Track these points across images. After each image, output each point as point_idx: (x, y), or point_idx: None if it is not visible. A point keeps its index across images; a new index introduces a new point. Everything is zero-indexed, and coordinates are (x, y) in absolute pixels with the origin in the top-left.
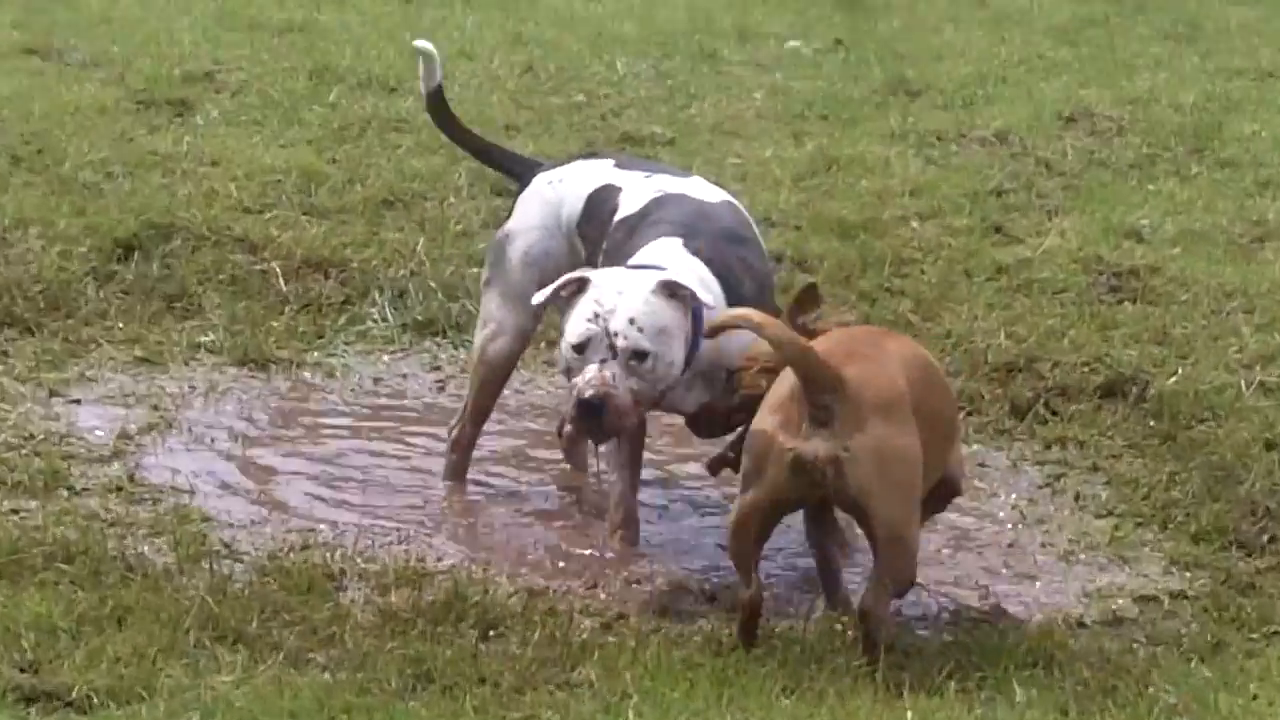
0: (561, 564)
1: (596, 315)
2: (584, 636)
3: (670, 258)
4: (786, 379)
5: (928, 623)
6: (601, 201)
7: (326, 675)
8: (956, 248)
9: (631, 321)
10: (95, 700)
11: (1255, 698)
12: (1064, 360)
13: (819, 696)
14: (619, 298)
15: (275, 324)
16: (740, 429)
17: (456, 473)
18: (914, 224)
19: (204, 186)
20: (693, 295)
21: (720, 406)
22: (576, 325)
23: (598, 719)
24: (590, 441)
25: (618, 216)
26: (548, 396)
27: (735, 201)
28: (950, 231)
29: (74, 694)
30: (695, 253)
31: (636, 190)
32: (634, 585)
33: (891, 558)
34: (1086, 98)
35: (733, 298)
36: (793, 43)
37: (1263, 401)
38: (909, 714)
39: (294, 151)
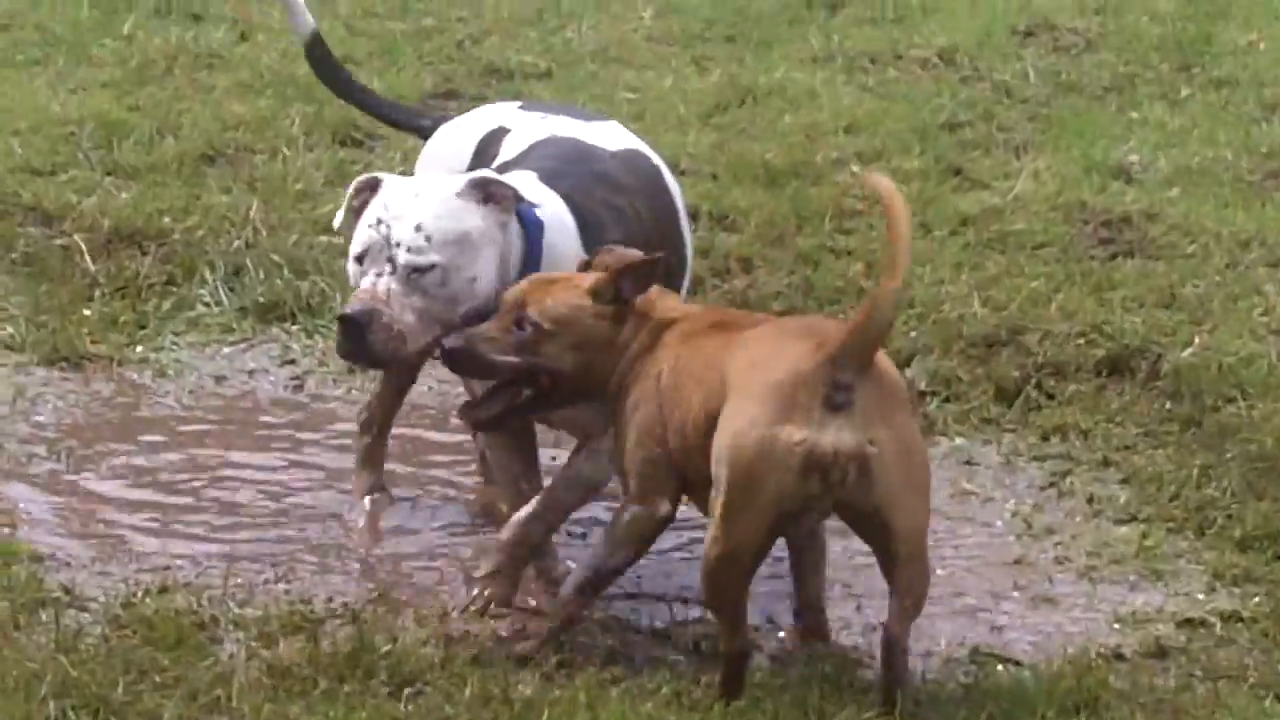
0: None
1: (379, 221)
2: (526, 692)
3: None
4: (777, 358)
5: (934, 663)
6: (487, 146)
7: None
8: (909, 196)
9: (418, 229)
10: None
11: None
12: (1054, 331)
13: None
14: (411, 201)
15: (86, 312)
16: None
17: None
18: (854, 168)
19: None
20: (516, 195)
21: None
22: (359, 233)
23: None
24: (363, 367)
25: (496, 162)
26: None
27: (647, 152)
28: (900, 176)
29: None
30: (553, 188)
31: (525, 132)
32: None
33: (914, 578)
34: (1043, 6)
35: (591, 242)
36: None
37: None
38: None
39: (87, 98)
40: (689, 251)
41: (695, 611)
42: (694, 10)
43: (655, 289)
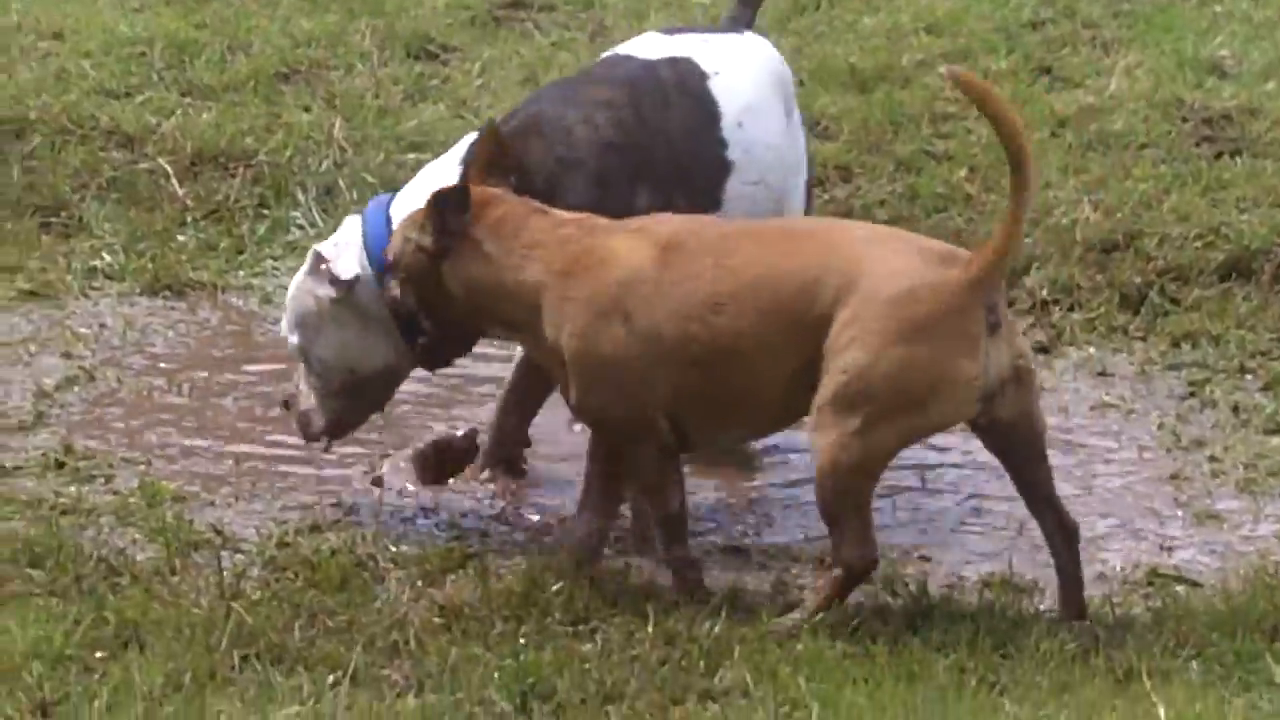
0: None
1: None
2: (713, 629)
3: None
4: (926, 286)
5: (1113, 586)
6: None
7: (414, 699)
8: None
9: (288, 313)
10: None
11: None
12: (1171, 234)
13: (1055, 690)
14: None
15: (181, 238)
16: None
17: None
18: (941, 69)
19: (52, 66)
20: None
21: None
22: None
23: None
24: None
25: None
26: None
27: (690, 57)
28: (990, 76)
29: None
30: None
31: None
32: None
33: (1046, 474)
34: None
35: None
36: None
37: None
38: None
39: (152, 17)
40: (734, 153)
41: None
42: None
43: (515, 203)
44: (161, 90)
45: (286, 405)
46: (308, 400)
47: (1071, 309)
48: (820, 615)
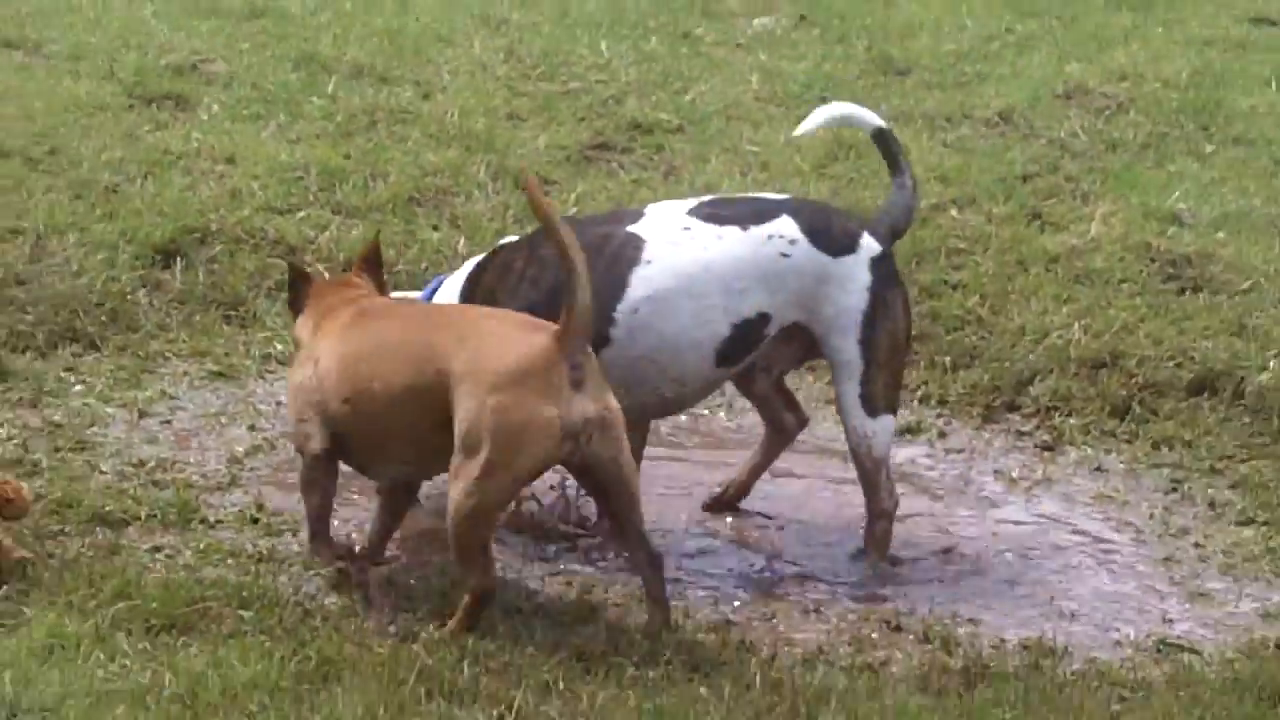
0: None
1: None
2: (812, 680)
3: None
4: (518, 348)
5: (1128, 652)
6: None
7: None
8: (1004, 237)
9: None
10: None
11: None
12: (1148, 355)
13: None
14: None
15: None
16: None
17: None
18: (953, 213)
19: (227, 186)
20: None
21: None
22: None
23: None
24: None
25: None
26: None
27: (638, 233)
28: (992, 220)
29: None
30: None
31: None
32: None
33: (637, 512)
34: (1074, 73)
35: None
36: (761, 20)
37: None
38: None
39: (308, 148)
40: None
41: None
42: (789, 74)
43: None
44: (317, 209)
45: None
46: None
47: (1069, 415)
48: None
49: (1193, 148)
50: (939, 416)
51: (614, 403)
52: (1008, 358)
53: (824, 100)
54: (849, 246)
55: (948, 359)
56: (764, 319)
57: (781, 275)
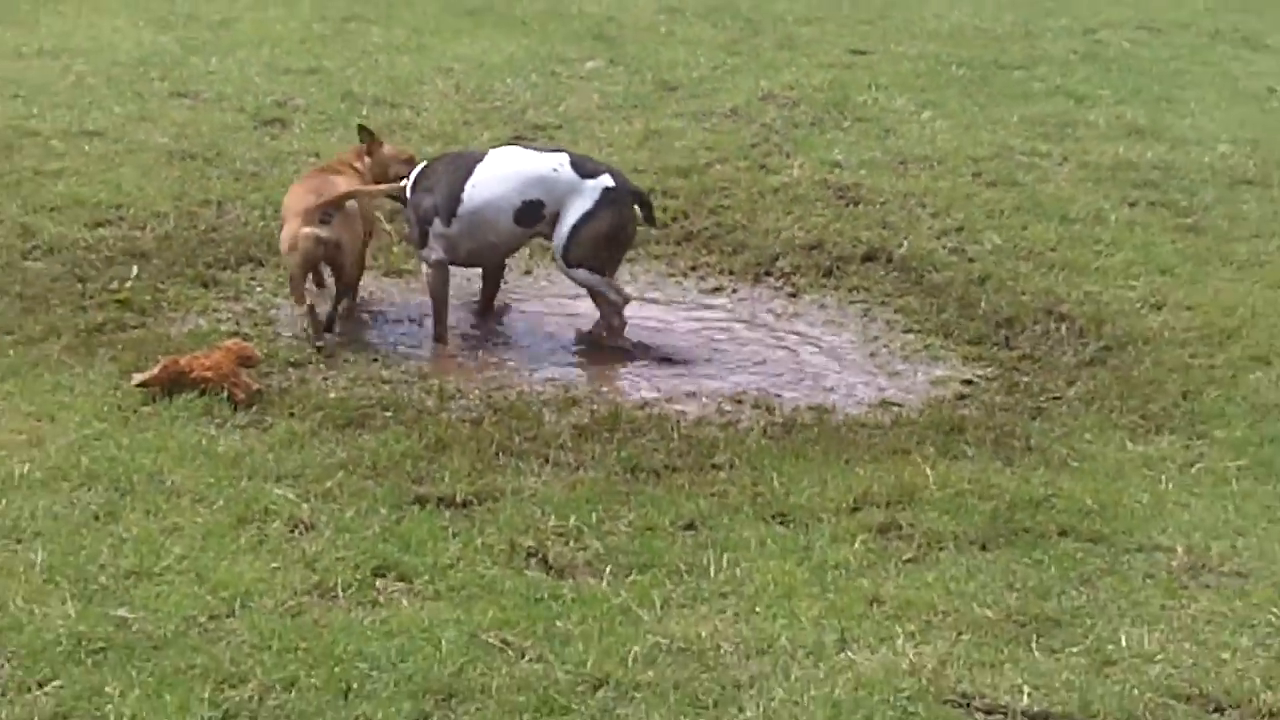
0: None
1: None
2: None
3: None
4: (301, 200)
5: (865, 408)
6: None
7: None
8: (748, 180)
9: None
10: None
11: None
12: (836, 241)
13: None
14: None
15: None
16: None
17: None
18: (717, 167)
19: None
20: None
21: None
22: None
23: None
24: None
25: None
26: None
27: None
28: (739, 170)
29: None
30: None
31: None
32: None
33: (350, 283)
34: (765, 86)
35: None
36: (592, 63)
37: (972, 248)
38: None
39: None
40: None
41: None
42: (613, 94)
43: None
44: None
45: None
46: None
47: (801, 277)
48: None
49: (837, 124)
50: (728, 281)
51: (344, 235)
52: (761, 245)
53: (634, 108)
54: (593, 175)
55: (729, 248)
56: (540, 204)
57: (551, 181)
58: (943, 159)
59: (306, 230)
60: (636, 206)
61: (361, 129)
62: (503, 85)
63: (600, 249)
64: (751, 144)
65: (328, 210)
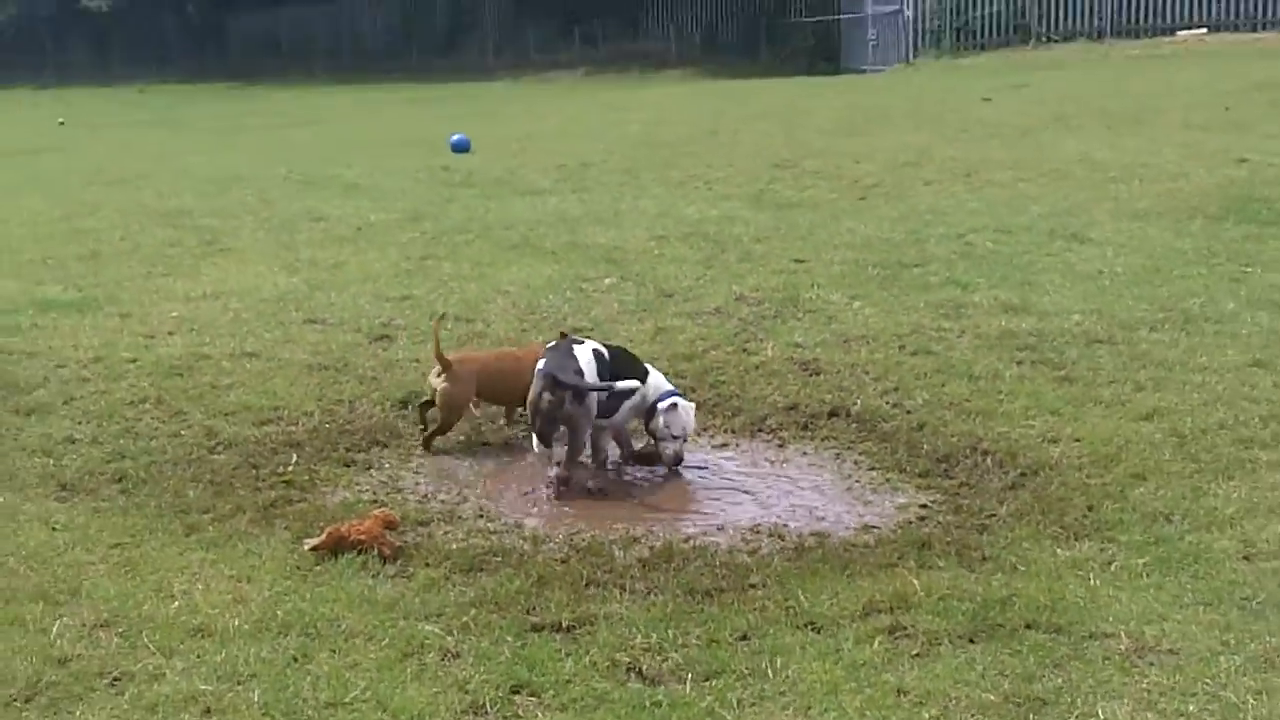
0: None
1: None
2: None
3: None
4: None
5: (847, 530)
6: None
7: None
8: (728, 352)
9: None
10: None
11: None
12: (811, 402)
13: None
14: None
15: None
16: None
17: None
18: None
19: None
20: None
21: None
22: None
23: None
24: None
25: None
26: None
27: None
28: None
29: (561, 621)
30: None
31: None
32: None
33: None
34: (737, 289)
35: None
36: (608, 280)
37: (908, 403)
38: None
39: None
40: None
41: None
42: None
43: None
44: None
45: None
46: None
47: (786, 431)
48: None
49: (793, 315)
50: (731, 439)
51: (447, 386)
52: (752, 409)
53: (644, 312)
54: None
55: (729, 412)
56: None
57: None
58: (875, 337)
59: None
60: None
61: (562, 334)
62: (546, 301)
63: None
64: (734, 333)
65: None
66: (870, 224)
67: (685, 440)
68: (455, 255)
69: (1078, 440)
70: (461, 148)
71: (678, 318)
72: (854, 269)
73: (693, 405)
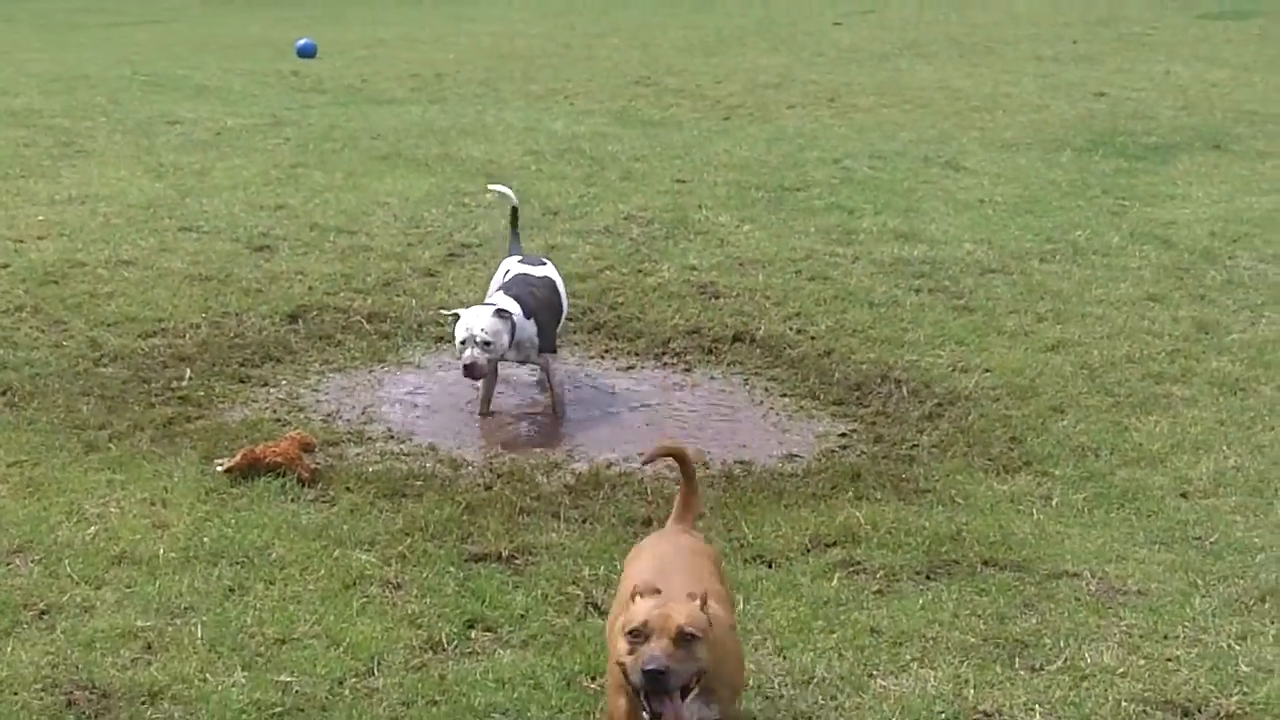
0: None
1: (467, 328)
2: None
3: (499, 298)
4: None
5: (769, 459)
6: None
7: None
8: (629, 267)
9: (482, 329)
10: None
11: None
12: (713, 326)
13: None
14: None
15: None
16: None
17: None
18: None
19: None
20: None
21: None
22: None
23: None
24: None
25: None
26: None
27: (553, 275)
28: (614, 262)
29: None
30: (511, 296)
31: (510, 269)
32: None
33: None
34: (624, 208)
35: (526, 315)
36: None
37: (811, 329)
38: None
39: None
40: (564, 313)
41: None
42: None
43: None
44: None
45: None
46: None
47: (690, 355)
48: None
49: (685, 237)
50: (636, 361)
51: None
52: (654, 332)
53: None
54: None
55: (630, 334)
56: None
57: None
58: (769, 261)
59: None
60: None
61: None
62: (428, 214)
63: None
64: (627, 254)
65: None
66: (744, 146)
67: (468, 349)
68: (325, 164)
69: (988, 371)
70: (307, 53)
71: (567, 236)
72: (738, 191)
73: (484, 309)
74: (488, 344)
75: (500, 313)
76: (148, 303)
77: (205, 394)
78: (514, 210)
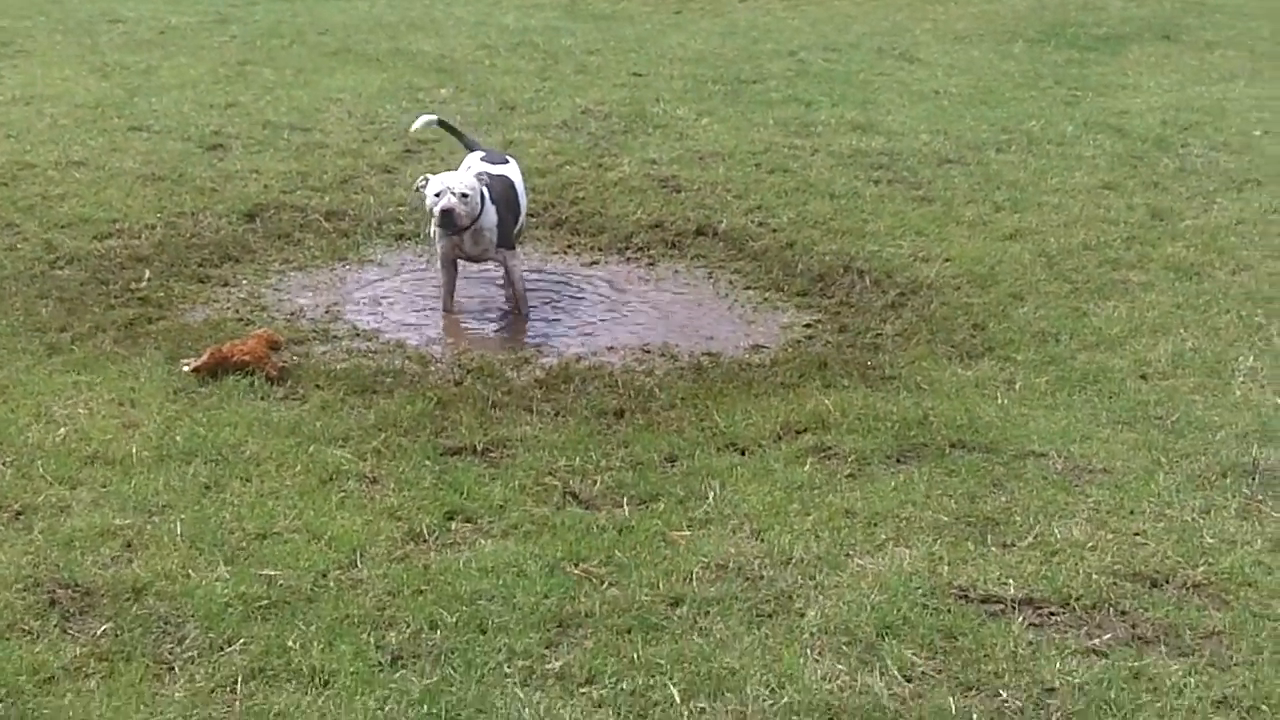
0: None
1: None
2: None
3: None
4: None
5: (737, 350)
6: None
7: None
8: (594, 174)
9: (460, 183)
10: None
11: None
12: (675, 221)
13: None
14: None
15: None
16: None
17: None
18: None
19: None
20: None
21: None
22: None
23: None
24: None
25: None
26: None
27: (512, 174)
28: (587, 168)
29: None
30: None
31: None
32: None
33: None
34: (581, 103)
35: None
36: (444, 90)
37: (773, 222)
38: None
39: None
40: (523, 211)
41: None
42: (468, 102)
43: None
44: None
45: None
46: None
47: (652, 249)
48: None
49: (644, 130)
50: (600, 255)
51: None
52: (617, 227)
53: (490, 124)
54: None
55: (592, 229)
56: None
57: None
58: (729, 154)
59: None
60: None
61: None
62: (384, 110)
63: None
64: (587, 148)
65: None
66: (698, 39)
67: (445, 197)
68: (275, 61)
69: (948, 260)
70: None
71: (525, 130)
72: (695, 84)
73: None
74: (465, 196)
75: (478, 176)
76: (101, 204)
77: (165, 295)
78: (440, 123)
